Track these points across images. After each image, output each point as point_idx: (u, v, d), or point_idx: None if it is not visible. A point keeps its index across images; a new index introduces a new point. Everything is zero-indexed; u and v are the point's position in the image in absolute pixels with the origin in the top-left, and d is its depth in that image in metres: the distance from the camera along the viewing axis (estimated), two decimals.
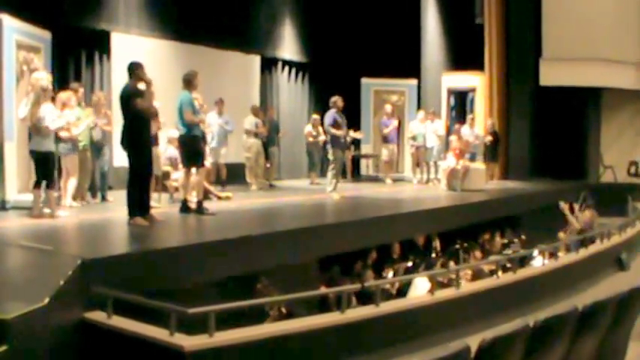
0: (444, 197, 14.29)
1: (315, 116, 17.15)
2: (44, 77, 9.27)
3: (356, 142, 19.22)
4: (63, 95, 10.26)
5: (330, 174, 13.29)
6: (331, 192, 13.03)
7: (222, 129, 13.97)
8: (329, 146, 13.43)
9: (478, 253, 12.68)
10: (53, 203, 9.18)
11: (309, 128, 17.06)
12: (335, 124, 13.12)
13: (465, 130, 16.64)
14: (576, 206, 14.85)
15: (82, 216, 9.66)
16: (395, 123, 17.13)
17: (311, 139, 16.88)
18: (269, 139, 15.53)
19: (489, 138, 17.31)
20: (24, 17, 10.61)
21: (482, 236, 13.62)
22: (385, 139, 17.24)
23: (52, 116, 9.17)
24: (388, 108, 17.67)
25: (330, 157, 13.34)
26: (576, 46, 17.93)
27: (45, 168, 9.04)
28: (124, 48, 14.03)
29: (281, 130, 16.68)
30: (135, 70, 8.72)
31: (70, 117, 10.20)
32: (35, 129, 9.01)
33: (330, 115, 13.22)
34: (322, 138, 16.68)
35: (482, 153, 17.68)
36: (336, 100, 13.28)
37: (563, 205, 13.76)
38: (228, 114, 14.32)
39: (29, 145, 9.19)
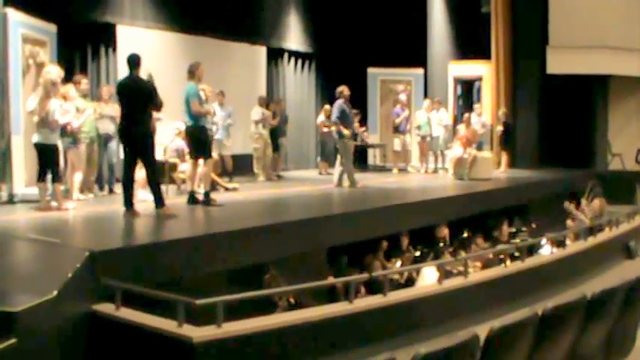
0: (452, 186, 14.28)
1: (327, 106, 17.15)
2: (53, 71, 9.25)
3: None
4: (62, 88, 10.23)
5: (341, 166, 13.12)
6: (351, 183, 12.94)
7: (225, 121, 13.90)
8: (338, 137, 13.25)
9: (480, 240, 12.70)
10: (60, 196, 9.19)
11: (321, 118, 17.01)
12: (343, 116, 13.03)
13: (472, 118, 16.58)
14: (583, 201, 14.80)
15: (90, 208, 9.68)
16: (406, 113, 17.09)
17: (325, 130, 16.86)
18: (279, 130, 15.50)
19: (500, 128, 17.24)
20: (29, 11, 10.61)
21: (488, 224, 13.65)
22: (397, 129, 17.20)
23: (61, 110, 9.19)
24: (403, 97, 17.63)
25: (339, 147, 13.26)
26: (583, 34, 17.84)
27: (49, 161, 9.04)
28: (129, 40, 14.01)
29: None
30: (139, 62, 8.71)
31: (71, 109, 10.20)
32: (43, 122, 8.99)
33: (338, 106, 13.06)
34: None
35: (491, 142, 17.65)
36: (343, 89, 13.14)
37: (568, 205, 13.77)
38: (232, 105, 14.26)
39: (34, 138, 9.17)
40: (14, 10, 10.08)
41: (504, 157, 17.47)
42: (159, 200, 8.72)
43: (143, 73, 8.89)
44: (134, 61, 8.72)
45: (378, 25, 19.53)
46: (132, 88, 8.66)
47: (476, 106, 17.84)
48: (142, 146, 8.63)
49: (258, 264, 8.30)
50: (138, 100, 8.59)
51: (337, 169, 13.29)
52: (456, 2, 19.15)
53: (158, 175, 8.94)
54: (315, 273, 9.04)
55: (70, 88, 10.37)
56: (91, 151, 10.88)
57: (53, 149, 9.14)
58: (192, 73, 9.93)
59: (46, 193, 9.11)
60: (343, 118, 13.00)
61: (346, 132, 13.02)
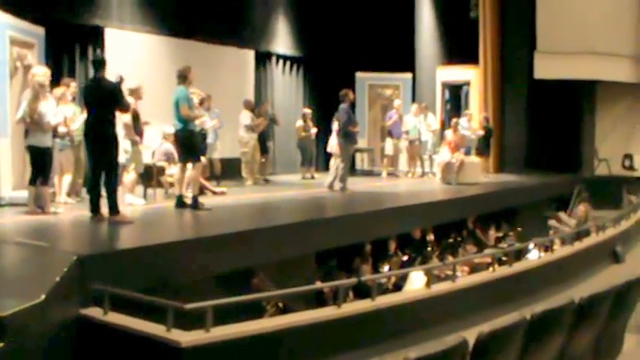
0: (440, 191, 14.31)
1: (306, 110, 17.18)
2: (40, 73, 9.19)
3: None
4: (57, 91, 10.22)
5: (341, 170, 13.02)
6: (342, 188, 12.89)
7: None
8: (342, 141, 13.09)
9: (470, 246, 12.74)
10: (47, 199, 9.13)
11: (300, 123, 17.02)
12: (350, 120, 12.94)
13: (463, 123, 16.63)
14: (562, 215, 14.86)
15: (77, 212, 9.61)
16: (396, 117, 17.15)
17: (303, 134, 16.85)
18: (266, 133, 15.48)
19: (481, 132, 17.30)
20: (17, 13, 10.55)
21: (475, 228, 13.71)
22: (390, 133, 17.26)
23: (53, 112, 9.15)
24: (397, 102, 17.77)
25: (341, 152, 13.12)
26: (571, 40, 17.92)
27: (43, 164, 8.98)
28: (117, 44, 13.97)
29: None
30: (103, 62, 8.57)
31: (67, 112, 10.17)
32: (36, 125, 8.91)
33: (345, 110, 12.93)
34: (314, 131, 16.70)
35: (475, 147, 17.73)
36: (347, 92, 13.02)
37: (552, 223, 13.86)
38: (220, 109, 14.23)
39: (26, 141, 9.10)
40: (1, 12, 10.03)
41: (487, 162, 17.48)
42: (112, 207, 8.46)
43: (112, 76, 8.82)
44: (98, 62, 8.60)
45: (367, 29, 19.57)
46: (94, 90, 8.54)
47: (466, 111, 17.91)
48: (105, 148, 8.46)
49: (247, 268, 8.28)
50: (101, 101, 8.42)
51: (332, 172, 13.24)
52: (445, 7, 19.26)
53: (116, 181, 8.70)
54: (303, 277, 9.04)
55: (65, 91, 10.38)
56: (78, 154, 10.83)
57: (47, 152, 9.08)
58: (184, 77, 9.86)
59: (35, 197, 9.04)
60: (351, 123, 12.96)
61: (357, 130, 13.11)
